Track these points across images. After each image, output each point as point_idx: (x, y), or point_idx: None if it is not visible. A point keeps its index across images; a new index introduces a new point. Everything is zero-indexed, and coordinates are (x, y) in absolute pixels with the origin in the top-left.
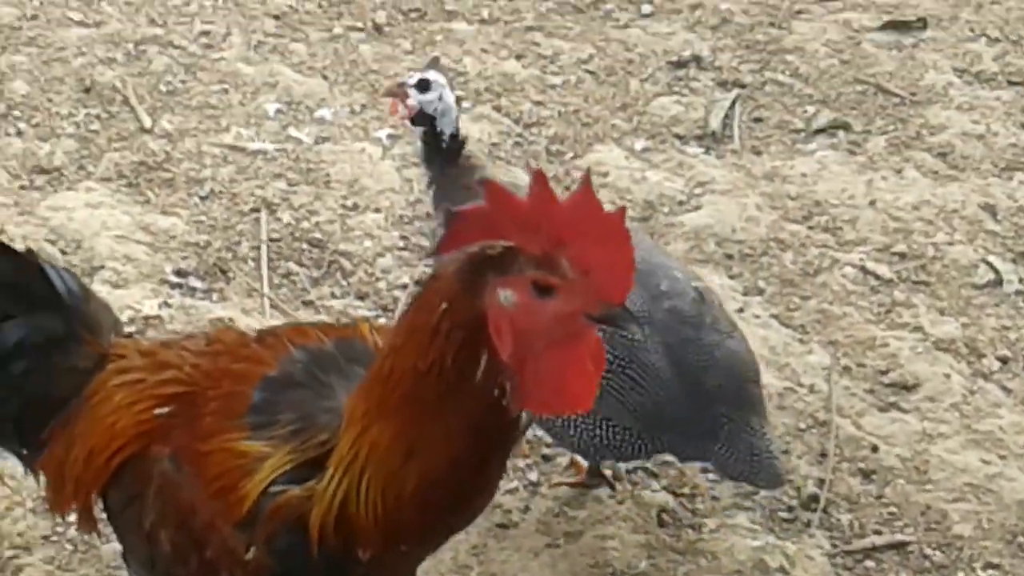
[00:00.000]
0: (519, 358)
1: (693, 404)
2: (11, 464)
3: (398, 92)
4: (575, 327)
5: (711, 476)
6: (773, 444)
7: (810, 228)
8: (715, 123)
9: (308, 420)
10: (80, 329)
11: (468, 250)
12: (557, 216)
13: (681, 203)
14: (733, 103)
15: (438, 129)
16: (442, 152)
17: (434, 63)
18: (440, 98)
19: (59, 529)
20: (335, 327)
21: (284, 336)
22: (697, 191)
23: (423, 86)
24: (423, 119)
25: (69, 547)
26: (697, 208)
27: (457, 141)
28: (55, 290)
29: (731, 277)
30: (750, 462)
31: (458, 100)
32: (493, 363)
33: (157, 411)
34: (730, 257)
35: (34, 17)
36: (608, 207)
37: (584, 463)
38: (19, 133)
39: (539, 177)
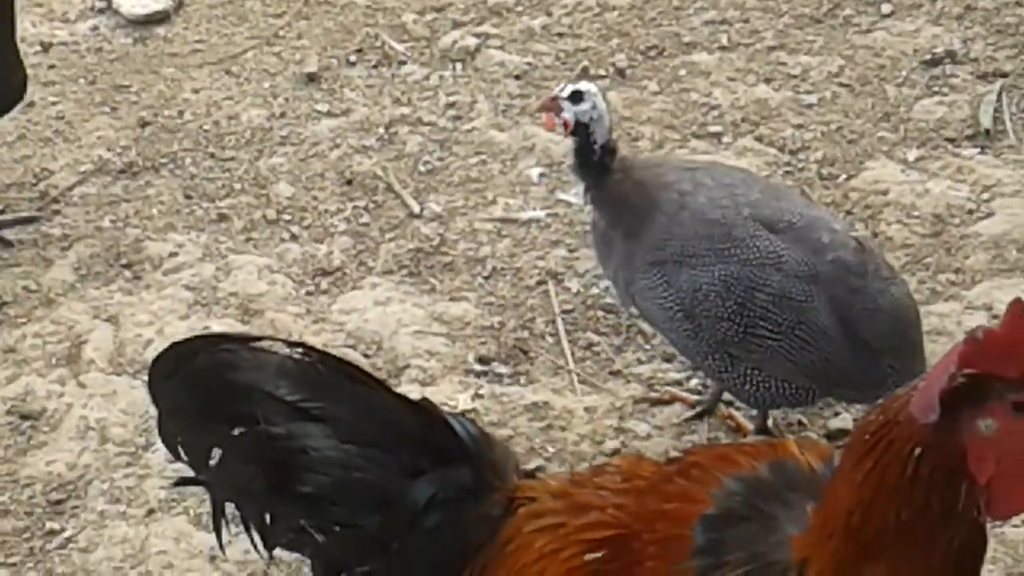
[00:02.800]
0: (996, 475)
1: (861, 359)
2: None
3: (552, 106)
4: None
5: None
6: None
7: None
8: (985, 120)
9: (759, 559)
10: (488, 476)
11: (930, 391)
12: None
13: (971, 212)
14: (999, 95)
15: (592, 139)
16: (595, 163)
17: (584, 73)
18: (594, 107)
19: None
20: (760, 449)
21: (710, 466)
22: (985, 196)
23: (576, 98)
24: (579, 130)
25: None
26: (989, 215)
27: (608, 151)
28: (459, 440)
29: None
30: None
31: (717, 135)
32: (972, 489)
33: (588, 556)
34: None
35: (283, 115)
36: None
37: (750, 426)
38: (294, 237)
39: (1016, 305)
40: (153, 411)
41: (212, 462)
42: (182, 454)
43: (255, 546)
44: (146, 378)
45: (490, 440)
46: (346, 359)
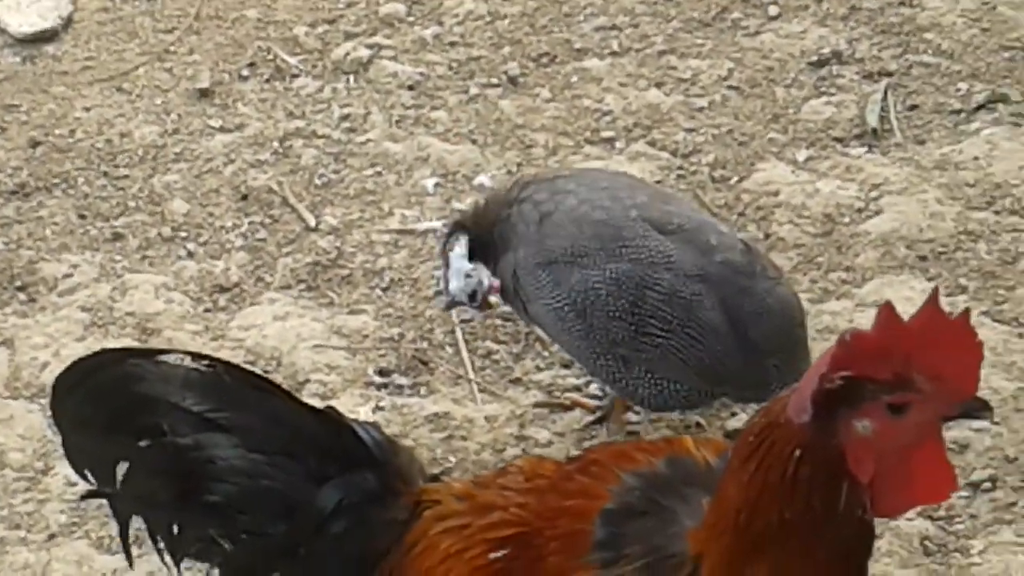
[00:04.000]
0: (878, 474)
1: (748, 358)
2: None
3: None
4: (930, 429)
5: (963, 495)
6: None
7: (996, 213)
8: (872, 119)
9: (658, 552)
10: (393, 481)
11: (804, 393)
12: (906, 338)
13: (860, 210)
14: (884, 94)
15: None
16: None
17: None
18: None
19: None
20: (657, 445)
21: (609, 462)
22: (873, 195)
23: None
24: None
25: None
26: (878, 213)
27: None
28: (365, 445)
29: (929, 279)
30: None
31: (610, 140)
32: (854, 488)
33: (492, 555)
34: (923, 259)
35: (176, 131)
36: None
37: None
38: (190, 254)
39: (887, 308)
40: (52, 435)
41: (118, 476)
42: (87, 470)
43: (162, 559)
44: (43, 401)
45: (395, 445)
46: (251, 370)
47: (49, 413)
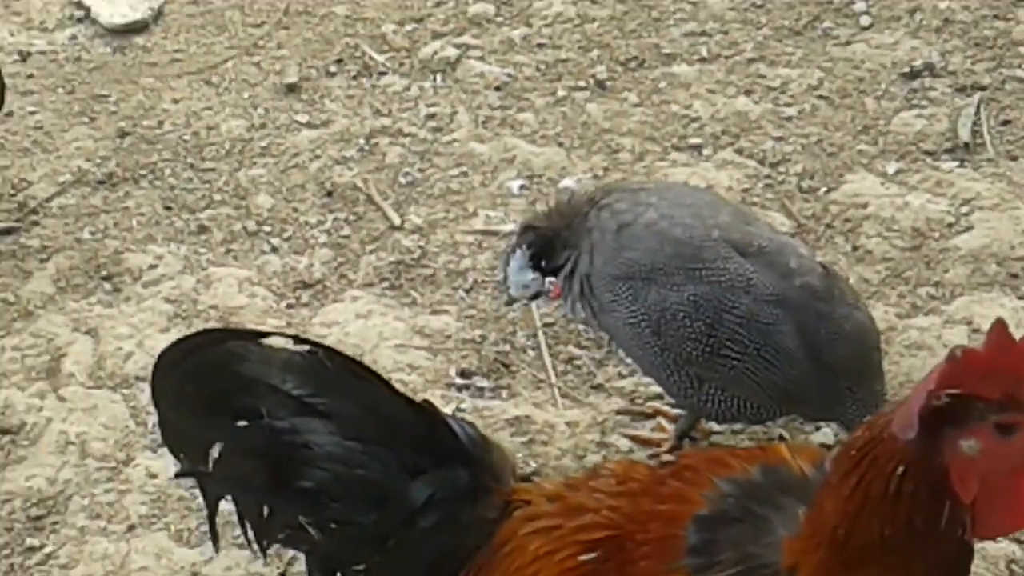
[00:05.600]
0: (981, 495)
1: (822, 380)
2: None
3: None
4: None
5: None
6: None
7: None
8: (964, 133)
9: (751, 560)
10: (486, 479)
11: (910, 409)
12: (1017, 358)
13: (950, 225)
14: (977, 108)
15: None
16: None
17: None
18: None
19: None
20: (752, 453)
21: (703, 468)
22: (964, 210)
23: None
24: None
25: None
26: (969, 228)
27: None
28: (459, 441)
29: (1020, 298)
30: None
31: (697, 147)
32: (956, 508)
33: (582, 557)
34: (1015, 276)
35: (262, 126)
36: None
37: (670, 428)
38: (274, 249)
39: (999, 326)
40: (134, 425)
41: (212, 457)
42: (180, 449)
43: (249, 543)
44: (127, 392)
45: (488, 443)
46: (352, 357)
47: (132, 403)
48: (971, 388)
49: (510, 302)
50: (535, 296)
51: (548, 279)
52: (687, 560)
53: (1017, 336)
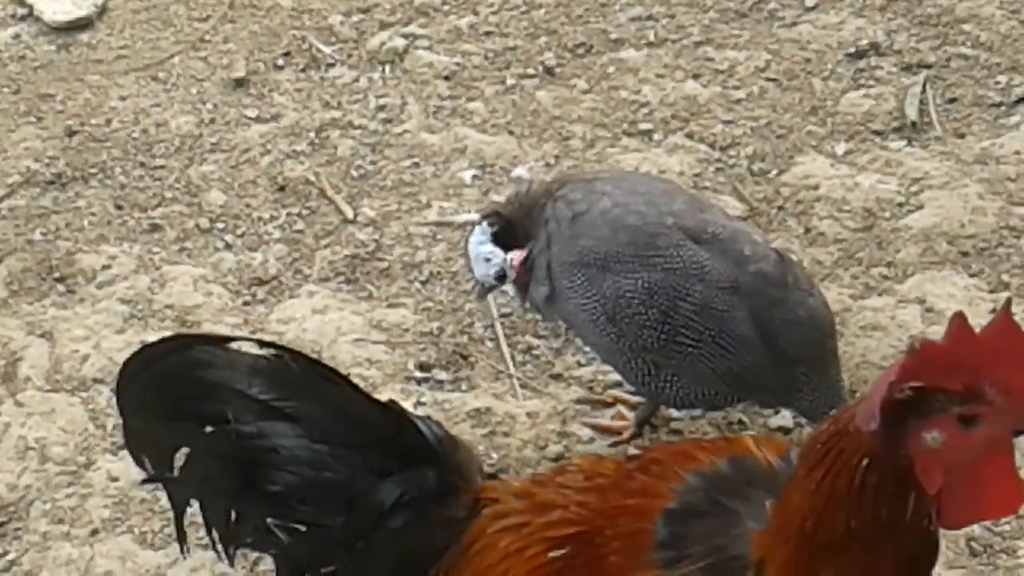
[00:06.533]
0: (946, 486)
1: (778, 366)
2: None
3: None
4: (1000, 443)
5: None
6: (844, 390)
7: None
8: (911, 112)
9: (721, 552)
10: (453, 478)
11: (872, 402)
12: (978, 349)
13: (900, 205)
14: (923, 87)
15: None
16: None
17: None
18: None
19: None
20: (718, 445)
21: (670, 462)
22: (914, 189)
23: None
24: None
25: None
26: (919, 208)
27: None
28: (426, 441)
29: (972, 276)
30: (832, 406)
31: (647, 132)
32: (921, 499)
33: (552, 554)
34: (965, 255)
35: (212, 121)
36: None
37: (630, 415)
38: (228, 246)
39: (958, 318)
40: (93, 428)
41: (177, 463)
42: (145, 455)
43: (215, 548)
44: (84, 395)
45: (455, 442)
46: (317, 359)
47: (91, 406)
48: (933, 380)
49: (483, 293)
50: (500, 277)
51: (509, 254)
52: (657, 554)
53: (976, 326)
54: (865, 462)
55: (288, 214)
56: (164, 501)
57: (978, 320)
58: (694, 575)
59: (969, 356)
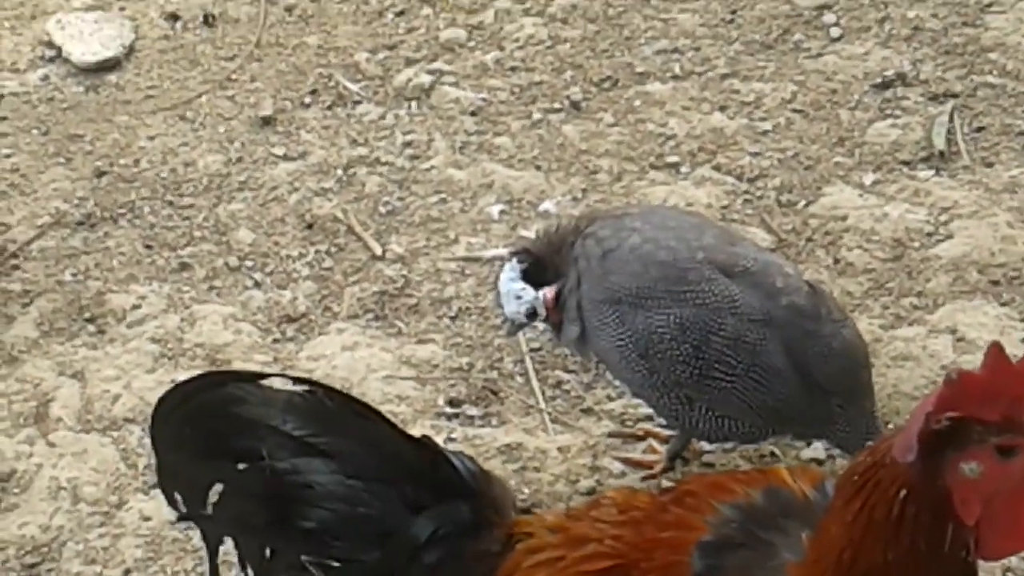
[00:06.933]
0: (984, 517)
1: (812, 398)
2: None
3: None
4: None
5: None
6: (879, 421)
7: None
8: (939, 141)
9: None
10: (487, 512)
11: (910, 433)
12: (1015, 379)
13: (930, 235)
14: (951, 116)
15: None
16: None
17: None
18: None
19: None
20: (752, 476)
21: (704, 494)
22: (943, 218)
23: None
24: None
25: None
26: (948, 237)
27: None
28: (460, 476)
29: (1003, 305)
30: (867, 437)
31: (674, 165)
32: (959, 530)
33: None
34: (996, 283)
35: (239, 160)
36: None
37: (662, 449)
38: (257, 284)
39: (995, 348)
40: (125, 468)
41: (211, 500)
42: (178, 493)
43: None
44: (116, 434)
45: (489, 477)
46: (351, 395)
47: (122, 446)
48: (970, 411)
49: (513, 331)
50: (531, 314)
51: (540, 292)
52: None
53: (1011, 356)
54: (903, 493)
55: (316, 251)
56: (196, 540)
57: (1011, 350)
58: None
59: (1006, 386)
